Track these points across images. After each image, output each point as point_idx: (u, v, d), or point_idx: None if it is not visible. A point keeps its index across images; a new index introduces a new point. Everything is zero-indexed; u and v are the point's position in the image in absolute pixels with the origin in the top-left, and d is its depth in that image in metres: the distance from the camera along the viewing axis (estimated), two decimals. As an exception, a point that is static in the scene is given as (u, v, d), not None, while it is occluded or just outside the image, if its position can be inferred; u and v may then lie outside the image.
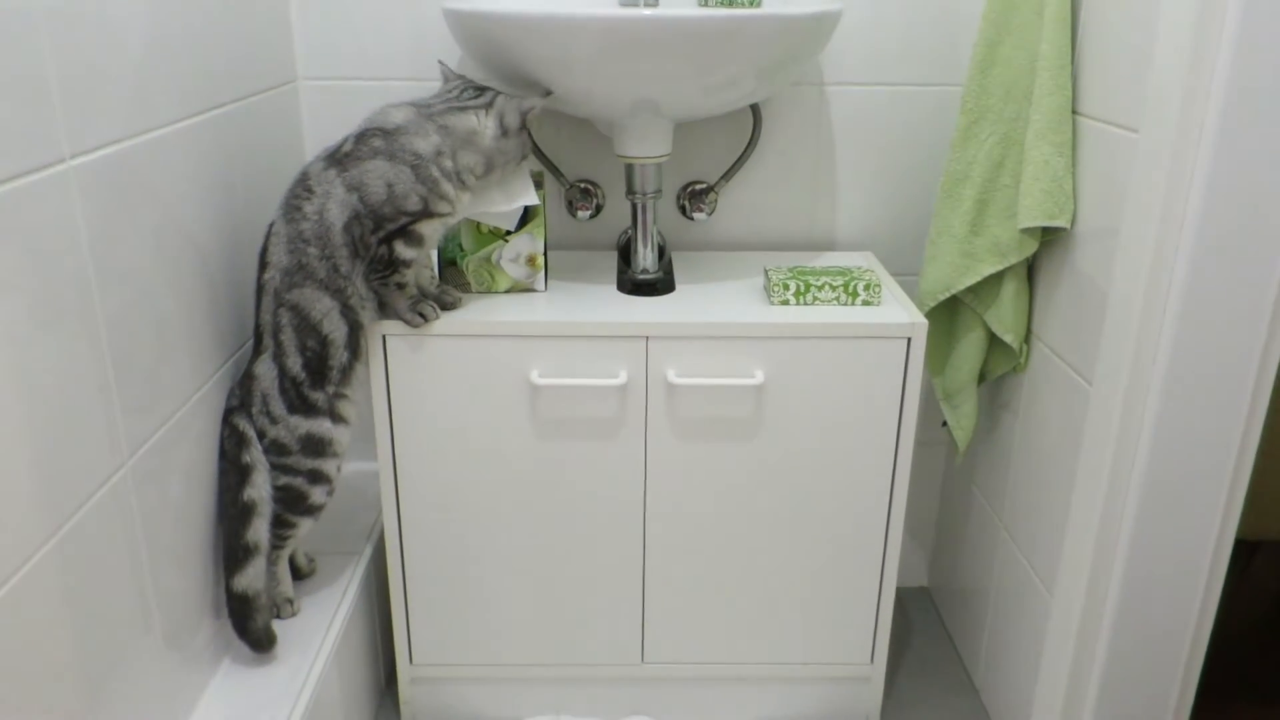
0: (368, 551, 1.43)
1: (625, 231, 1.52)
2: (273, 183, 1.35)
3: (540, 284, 1.33)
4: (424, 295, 1.23)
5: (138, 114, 0.96)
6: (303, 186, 1.14)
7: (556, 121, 1.49)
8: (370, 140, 1.14)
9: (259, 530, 1.15)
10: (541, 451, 1.29)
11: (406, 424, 1.28)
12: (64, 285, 0.84)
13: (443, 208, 1.16)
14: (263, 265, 1.15)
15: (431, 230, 1.18)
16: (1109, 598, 1.16)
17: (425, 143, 1.14)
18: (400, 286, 1.19)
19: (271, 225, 1.15)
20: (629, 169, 1.35)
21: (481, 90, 1.20)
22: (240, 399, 1.17)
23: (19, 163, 0.77)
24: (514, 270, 1.32)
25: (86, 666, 0.88)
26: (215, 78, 1.16)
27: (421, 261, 1.21)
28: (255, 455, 1.15)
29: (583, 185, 1.51)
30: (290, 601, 1.26)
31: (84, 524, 0.87)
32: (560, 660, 1.41)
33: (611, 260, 1.49)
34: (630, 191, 1.36)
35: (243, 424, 1.15)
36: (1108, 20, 1.16)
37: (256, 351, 1.16)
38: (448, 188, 1.16)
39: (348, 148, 1.15)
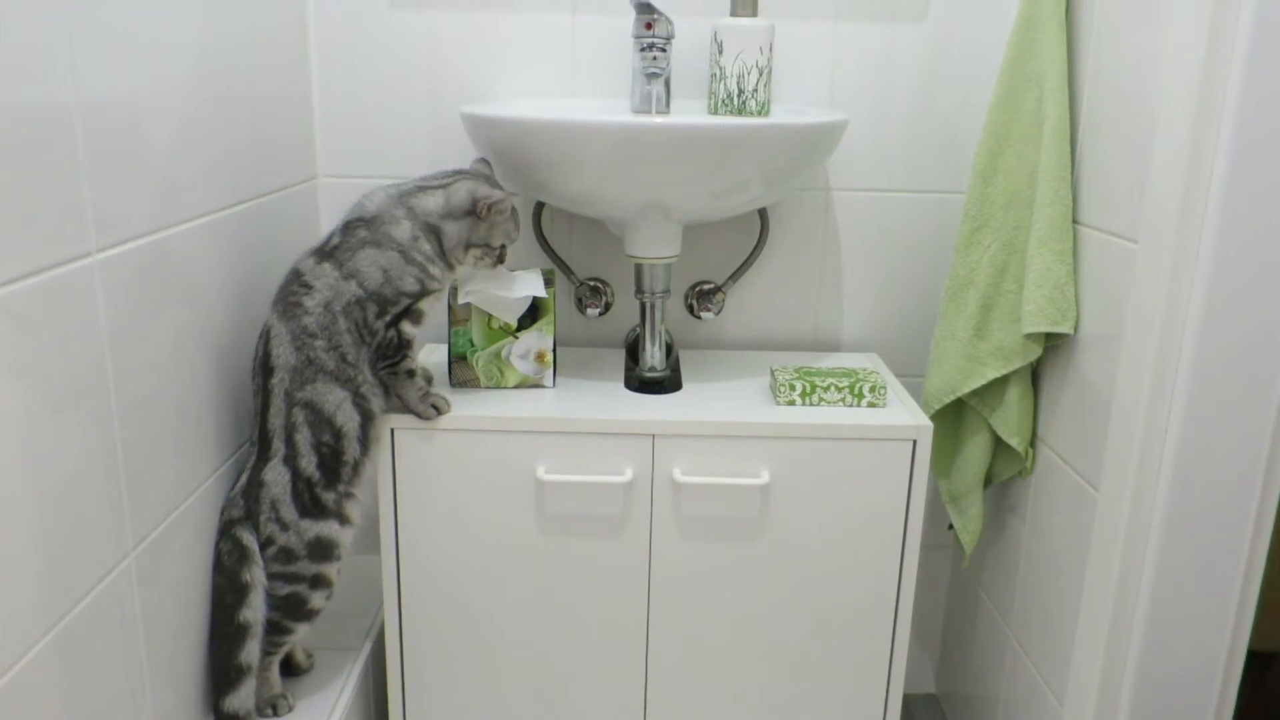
0: (367, 648, 1.41)
1: (634, 329, 1.54)
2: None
3: (549, 380, 1.35)
4: (430, 383, 1.24)
5: (162, 209, 0.99)
6: (298, 283, 1.15)
7: (568, 221, 1.53)
8: (356, 231, 1.16)
9: (252, 652, 1.13)
10: (546, 547, 1.28)
11: (411, 517, 1.28)
12: (81, 375, 0.85)
13: (434, 285, 1.18)
14: (267, 370, 1.14)
15: (429, 306, 1.20)
16: (1120, 710, 1.14)
17: (399, 230, 1.16)
18: (410, 374, 1.20)
19: (267, 329, 1.14)
20: (638, 268, 1.38)
21: (457, 173, 1.22)
22: (245, 509, 1.14)
23: (48, 255, 0.80)
24: (523, 366, 1.34)
25: (79, 762, 0.86)
26: (238, 174, 1.20)
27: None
28: (254, 574, 1.13)
29: (592, 283, 1.54)
30: (284, 697, 1.23)
31: (86, 615, 0.86)
32: (559, 764, 1.38)
33: (620, 357, 1.51)
34: (639, 290, 1.39)
35: (246, 537, 1.13)
36: (1106, 134, 1.19)
37: (263, 458, 1.14)
38: (434, 269, 1.18)
39: (335, 240, 1.16)
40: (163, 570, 1.02)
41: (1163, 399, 1.04)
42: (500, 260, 1.24)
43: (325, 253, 1.16)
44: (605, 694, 1.35)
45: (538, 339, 1.33)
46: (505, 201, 1.19)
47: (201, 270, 1.09)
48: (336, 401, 1.15)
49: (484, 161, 1.26)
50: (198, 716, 1.11)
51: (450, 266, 1.20)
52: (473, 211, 1.18)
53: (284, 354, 1.14)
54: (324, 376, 1.14)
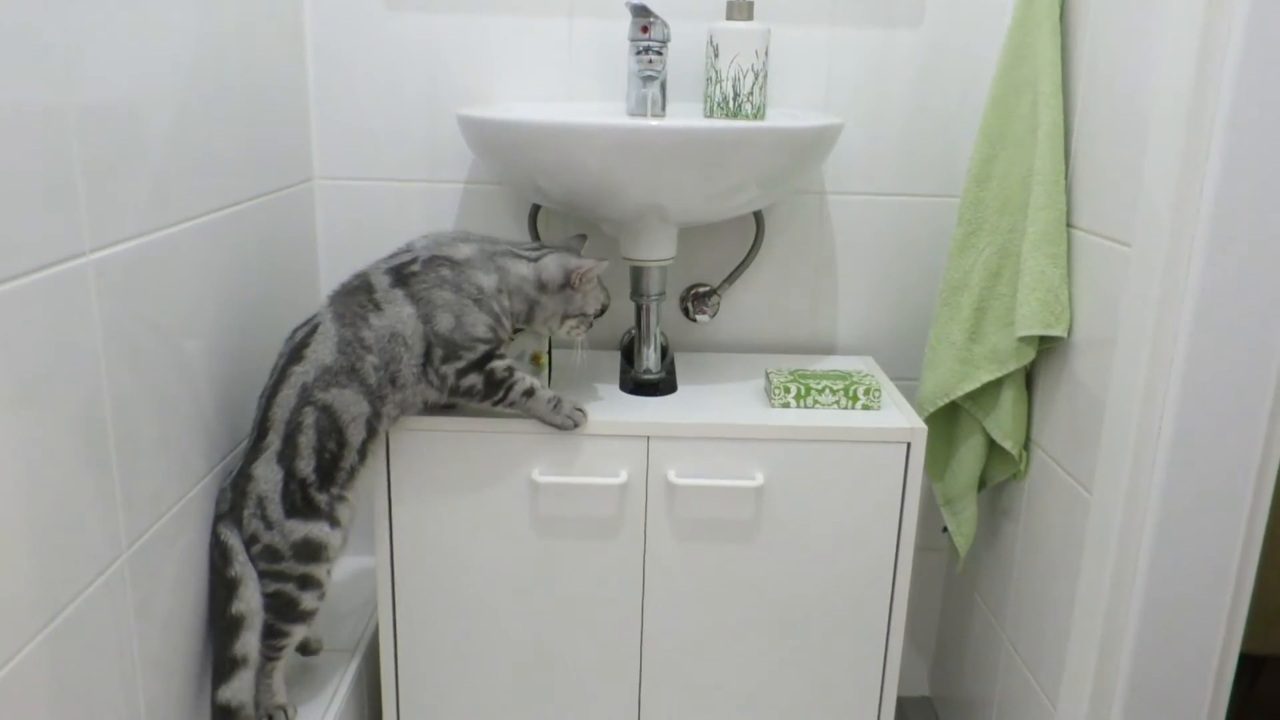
0: (361, 649, 1.41)
1: (629, 332, 1.55)
2: (285, 279, 1.38)
3: (544, 382, 1.35)
4: (559, 396, 1.23)
5: (158, 209, 0.99)
6: (368, 297, 1.15)
7: (564, 223, 1.53)
8: (439, 268, 1.17)
9: (248, 643, 1.12)
10: (541, 549, 1.28)
11: (406, 518, 1.28)
12: (74, 374, 0.85)
13: (504, 335, 1.20)
14: (296, 357, 1.13)
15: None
16: (1113, 712, 1.14)
17: (488, 279, 1.18)
18: (529, 394, 1.21)
19: (317, 323, 1.15)
20: (634, 271, 1.38)
21: (541, 247, 1.24)
22: (231, 502, 1.14)
23: (43, 255, 0.80)
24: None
25: (71, 763, 0.86)
26: (234, 175, 1.20)
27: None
28: (241, 568, 1.12)
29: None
30: (284, 709, 1.22)
31: (79, 613, 0.86)
32: (553, 767, 1.38)
33: (615, 360, 1.51)
34: (635, 293, 1.39)
35: (226, 534, 1.13)
36: (1099, 138, 1.20)
37: (256, 451, 1.13)
38: (506, 322, 1.20)
39: (415, 269, 1.16)
40: (157, 568, 1.02)
41: (1156, 402, 1.05)
42: (591, 325, 1.27)
43: (401, 277, 1.16)
44: (600, 695, 1.35)
45: (533, 341, 1.33)
46: (595, 269, 1.21)
47: (197, 271, 1.09)
48: (354, 414, 1.14)
49: (579, 238, 1.29)
50: (190, 712, 1.11)
51: (508, 328, 1.21)
52: (566, 284, 1.21)
53: (323, 352, 1.13)
54: (357, 386, 1.13)
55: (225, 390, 1.18)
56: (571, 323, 1.24)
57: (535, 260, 1.21)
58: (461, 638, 1.32)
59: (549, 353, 1.34)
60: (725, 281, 1.55)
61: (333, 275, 1.52)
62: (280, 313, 1.35)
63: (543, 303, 1.21)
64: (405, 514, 1.27)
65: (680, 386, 1.39)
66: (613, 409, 1.29)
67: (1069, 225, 1.26)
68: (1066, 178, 1.26)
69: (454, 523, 1.28)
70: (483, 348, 1.17)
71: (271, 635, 1.16)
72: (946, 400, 1.37)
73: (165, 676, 1.04)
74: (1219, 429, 1.04)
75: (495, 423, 1.24)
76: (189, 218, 1.07)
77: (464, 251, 1.19)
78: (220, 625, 1.12)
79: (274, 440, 1.13)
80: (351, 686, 1.33)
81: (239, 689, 1.12)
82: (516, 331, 1.23)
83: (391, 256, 1.20)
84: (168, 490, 1.04)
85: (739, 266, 1.54)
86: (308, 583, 1.17)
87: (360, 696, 1.39)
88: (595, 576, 1.29)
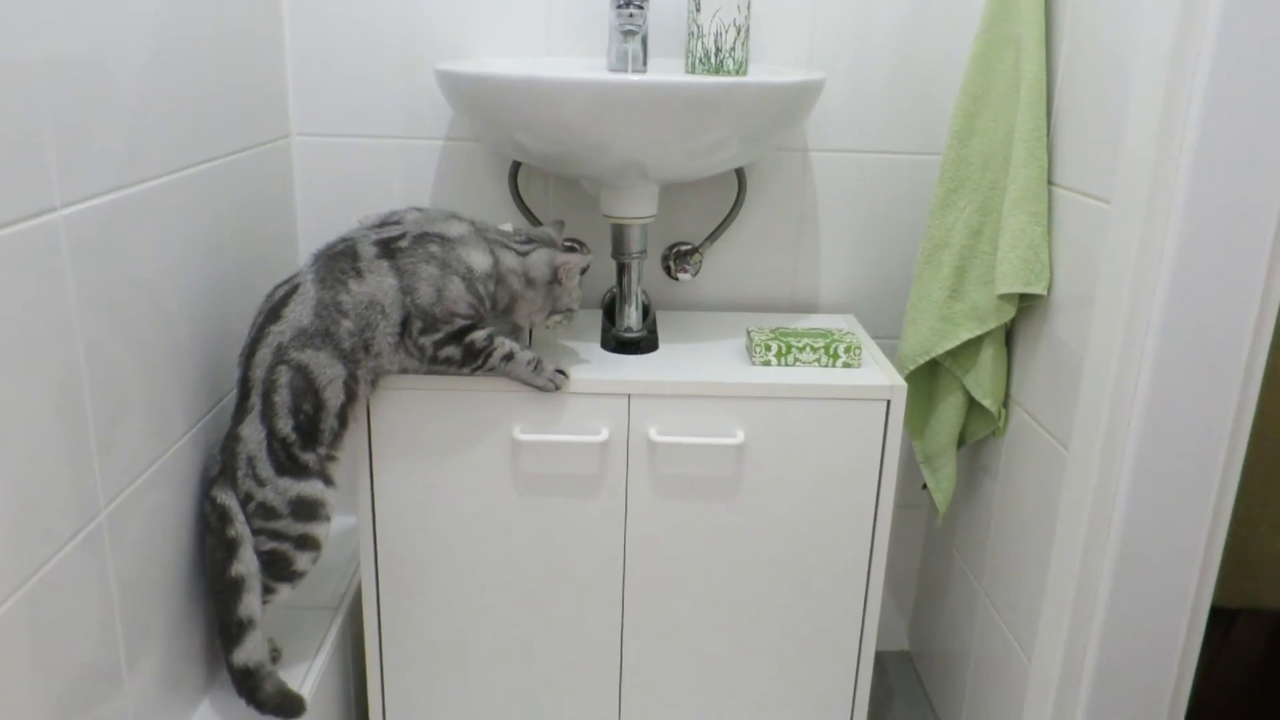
0: (344, 607, 1.41)
1: (610, 290, 1.54)
2: (263, 237, 1.37)
3: (525, 341, 1.34)
4: (539, 358, 1.23)
5: (130, 165, 0.98)
6: (351, 264, 1.14)
7: (544, 181, 1.52)
8: (428, 244, 1.16)
9: (251, 605, 1.12)
10: (522, 507, 1.29)
11: (387, 477, 1.28)
12: (49, 331, 0.84)
13: (483, 316, 1.20)
14: (274, 316, 1.13)
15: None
16: (1086, 664, 1.16)
17: (481, 260, 1.18)
18: (508, 359, 1.21)
19: (296, 284, 1.14)
20: (615, 229, 1.37)
21: (530, 240, 1.24)
22: (222, 464, 1.14)
23: (10, 210, 0.78)
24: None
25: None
26: (210, 131, 1.18)
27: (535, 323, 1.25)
28: (240, 528, 1.12)
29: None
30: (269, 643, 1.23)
31: (56, 573, 0.86)
32: (536, 721, 1.39)
33: (596, 318, 1.51)
34: (616, 251, 1.38)
35: (223, 496, 1.12)
36: (1081, 95, 1.19)
37: (241, 411, 1.13)
38: (489, 305, 1.20)
39: (404, 243, 1.16)
40: (137, 527, 1.01)
41: (1132, 359, 1.05)
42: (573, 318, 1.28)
43: (388, 249, 1.15)
44: (581, 651, 1.36)
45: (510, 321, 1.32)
46: (581, 263, 1.22)
47: (174, 228, 1.08)
48: (330, 377, 1.13)
49: (558, 224, 1.29)
50: (176, 673, 1.12)
51: (492, 309, 1.21)
52: (554, 280, 1.22)
53: (300, 313, 1.12)
54: (331, 349, 1.13)
55: (205, 348, 1.18)
56: (556, 318, 1.25)
57: (524, 255, 1.21)
58: (443, 596, 1.33)
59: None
60: (707, 240, 1.54)
61: (311, 233, 1.51)
62: (259, 270, 1.34)
63: (528, 297, 1.22)
64: (386, 472, 1.27)
65: (662, 345, 1.39)
66: (594, 367, 1.29)
67: (1050, 183, 1.25)
68: (1048, 135, 1.26)
69: (435, 481, 1.28)
70: (460, 322, 1.17)
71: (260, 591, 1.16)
72: (927, 358, 1.37)
73: (147, 639, 1.05)
74: (1195, 386, 1.05)
75: (476, 381, 1.24)
76: (164, 173, 1.05)
77: (456, 230, 1.19)
78: (220, 588, 1.12)
79: (256, 400, 1.13)
80: (335, 644, 1.34)
81: (253, 649, 1.12)
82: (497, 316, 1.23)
83: (380, 226, 1.19)
84: (147, 449, 1.03)
85: (721, 225, 1.53)
86: (305, 543, 1.17)
87: (344, 653, 1.40)
88: (576, 534, 1.30)
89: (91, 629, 0.93)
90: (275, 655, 1.28)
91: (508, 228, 1.27)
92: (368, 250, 1.16)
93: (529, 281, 1.21)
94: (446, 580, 1.32)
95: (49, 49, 0.83)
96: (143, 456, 1.02)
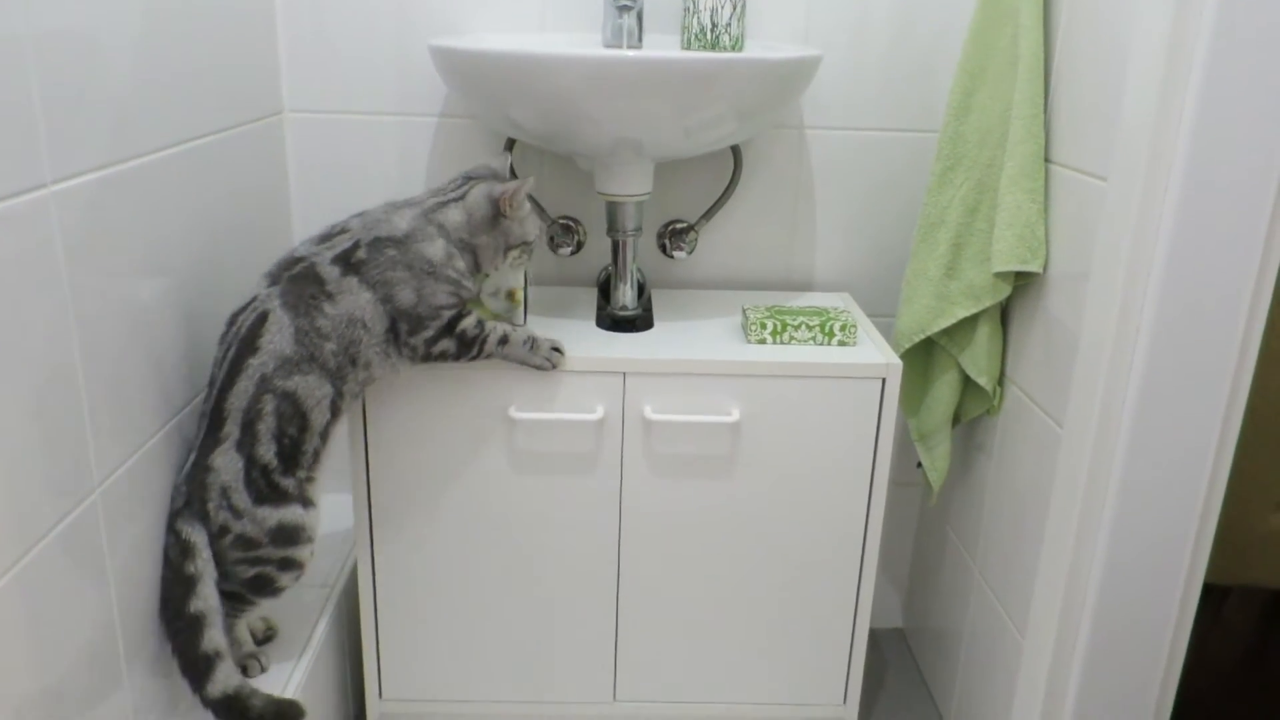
0: (340, 583, 1.42)
1: (605, 268, 1.54)
2: (257, 214, 1.36)
3: (520, 319, 1.34)
4: (534, 336, 1.23)
5: (121, 141, 0.97)
6: (318, 287, 1.10)
7: (540, 158, 1.51)
8: (385, 250, 1.13)
9: (214, 639, 1.06)
10: (518, 485, 1.29)
11: (382, 456, 1.28)
12: (39, 309, 0.84)
13: (467, 294, 1.19)
14: (250, 348, 1.08)
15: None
16: (1079, 641, 1.16)
17: (434, 248, 1.15)
18: (504, 342, 1.20)
19: (265, 312, 1.09)
20: (610, 207, 1.37)
21: (467, 179, 1.20)
22: (187, 496, 1.08)
23: (0, 186, 0.78)
24: (494, 304, 1.33)
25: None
26: (202, 107, 1.17)
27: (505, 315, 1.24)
28: (201, 565, 1.07)
29: (564, 222, 1.53)
30: (256, 658, 1.21)
31: (49, 552, 0.86)
32: (532, 698, 1.40)
33: (591, 296, 1.50)
34: (611, 229, 1.38)
35: (187, 530, 1.07)
36: (1079, 72, 1.18)
37: (213, 439, 1.07)
38: (466, 283, 1.18)
39: (362, 254, 1.12)
40: (129, 508, 1.01)
41: (1128, 337, 1.05)
42: (532, 254, 1.24)
43: (350, 265, 1.12)
44: (576, 630, 1.36)
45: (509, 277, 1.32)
46: (523, 188, 1.17)
47: (164, 205, 1.07)
48: (319, 397, 1.11)
49: (485, 166, 1.25)
50: (170, 654, 1.12)
51: (485, 275, 1.20)
52: (498, 213, 1.18)
53: (279, 342, 1.08)
54: (319, 372, 1.10)
55: (199, 324, 1.17)
56: (514, 253, 1.21)
57: (462, 199, 1.18)
58: (439, 573, 1.33)
59: (525, 288, 1.33)
60: (703, 218, 1.53)
61: (305, 211, 1.50)
62: (253, 247, 1.33)
63: (482, 244, 1.18)
64: (382, 451, 1.27)
65: (657, 323, 1.39)
66: (589, 345, 1.28)
67: (1047, 160, 1.25)
68: (1045, 112, 1.25)
69: (431, 459, 1.28)
70: (448, 314, 1.16)
71: (238, 601, 1.14)
72: (922, 336, 1.37)
73: (142, 619, 1.05)
74: (1190, 364, 1.05)
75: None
76: (155, 149, 1.05)
77: (402, 225, 1.15)
78: (179, 625, 1.06)
79: (232, 430, 1.08)
80: (331, 619, 1.35)
81: (224, 677, 1.07)
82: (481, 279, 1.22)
83: (327, 239, 1.14)
84: (142, 425, 1.03)
85: (716, 202, 1.53)
86: (288, 565, 1.14)
87: (340, 628, 1.40)
88: (572, 512, 1.30)
89: (86, 608, 0.93)
90: (271, 635, 1.28)
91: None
92: (330, 271, 1.12)
93: (474, 226, 1.17)
94: (442, 559, 1.32)
95: (38, 23, 0.82)
96: (135, 435, 1.02)
